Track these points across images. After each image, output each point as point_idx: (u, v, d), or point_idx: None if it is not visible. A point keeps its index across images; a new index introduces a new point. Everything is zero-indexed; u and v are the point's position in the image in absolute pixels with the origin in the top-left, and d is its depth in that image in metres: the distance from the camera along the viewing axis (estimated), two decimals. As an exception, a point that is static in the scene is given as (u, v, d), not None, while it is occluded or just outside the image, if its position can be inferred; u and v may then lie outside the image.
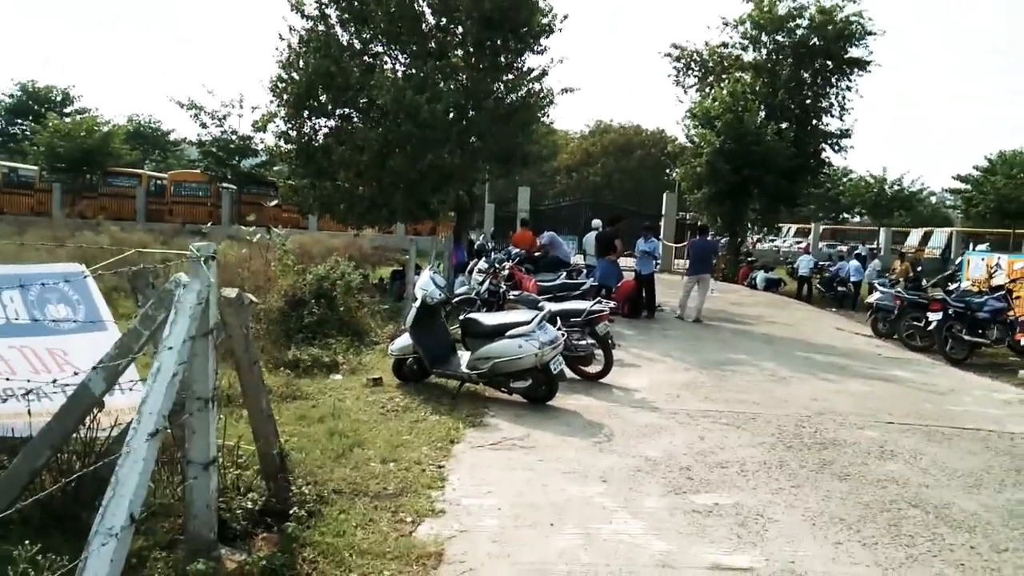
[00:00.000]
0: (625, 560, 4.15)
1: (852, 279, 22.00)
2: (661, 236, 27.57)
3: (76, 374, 4.03)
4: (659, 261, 23.35)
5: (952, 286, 14.67)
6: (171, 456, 4.34)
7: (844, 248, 31.32)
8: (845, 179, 48.30)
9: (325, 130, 16.17)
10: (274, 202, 19.74)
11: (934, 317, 12.19)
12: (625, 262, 16.99)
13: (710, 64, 27.18)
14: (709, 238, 17.02)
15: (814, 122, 26.15)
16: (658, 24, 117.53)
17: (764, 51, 26.11)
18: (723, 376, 9.43)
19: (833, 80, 25.73)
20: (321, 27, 15.43)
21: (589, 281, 11.92)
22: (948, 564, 4.30)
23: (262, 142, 28.09)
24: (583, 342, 8.58)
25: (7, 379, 4.06)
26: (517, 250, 14.23)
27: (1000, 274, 13.99)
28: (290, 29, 15.53)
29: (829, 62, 25.26)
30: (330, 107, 15.84)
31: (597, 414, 7.27)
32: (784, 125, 25.10)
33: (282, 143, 16.69)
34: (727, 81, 25.25)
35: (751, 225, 27.61)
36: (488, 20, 14.75)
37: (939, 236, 34.68)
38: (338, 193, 15.78)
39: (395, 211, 16.08)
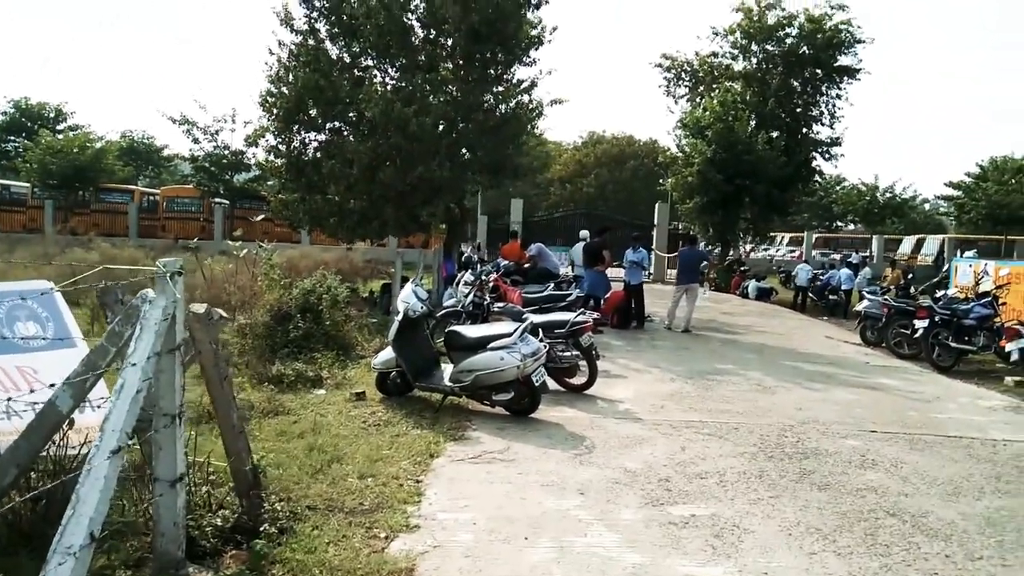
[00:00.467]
0: (598, 573, 4.14)
1: (844, 287, 22.05)
2: (654, 246, 27.68)
3: (47, 389, 4.04)
4: (649, 271, 23.38)
5: (939, 293, 14.71)
6: (142, 473, 4.33)
7: (837, 256, 31.41)
8: (838, 187, 48.52)
9: (315, 144, 16.24)
10: (260, 216, 19.79)
11: (920, 324, 12.21)
12: (615, 272, 17.03)
13: (700, 74, 27.36)
14: (698, 247, 17.05)
15: (804, 131, 26.32)
16: (649, 34, 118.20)
17: (754, 60, 26.32)
18: (709, 386, 9.43)
19: (823, 88, 25.93)
20: (311, 41, 15.51)
21: (575, 292, 11.93)
22: (922, 573, 4.29)
23: (254, 157, 28.19)
24: (567, 353, 8.57)
25: (-25, 398, 4.05)
26: (505, 262, 14.24)
27: (987, 280, 14.04)
28: (280, 44, 15.62)
29: (819, 70, 25.46)
30: (320, 121, 15.90)
31: (580, 426, 7.26)
32: (775, 134, 25.24)
33: (272, 157, 16.75)
34: (717, 91, 25.41)
35: (743, 234, 27.69)
36: (476, 33, 14.83)
37: (931, 243, 34.80)
38: (328, 207, 15.81)
39: (385, 224, 16.12)
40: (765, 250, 40.08)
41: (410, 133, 14.19)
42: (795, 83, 25.97)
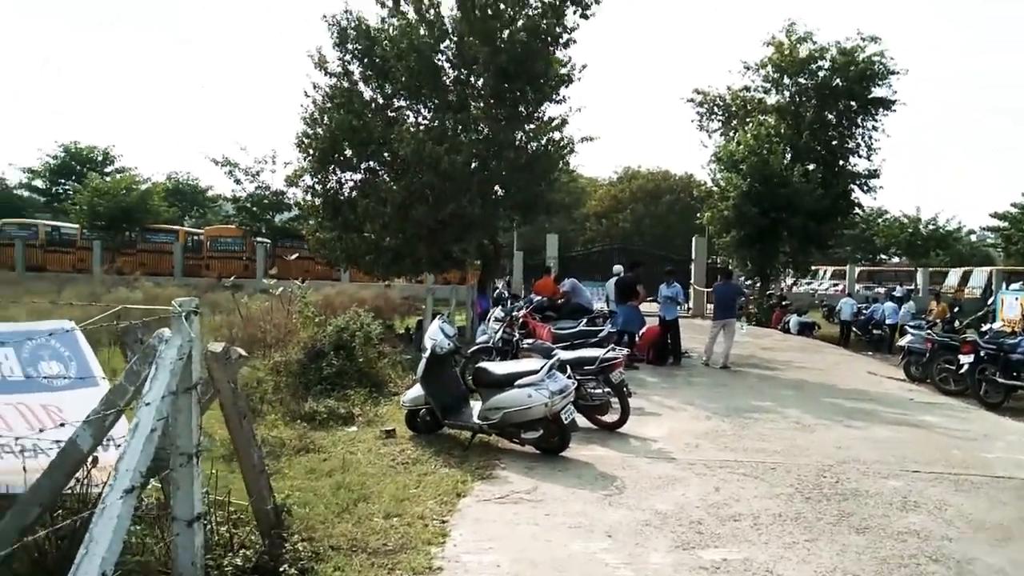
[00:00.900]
0: (623, 619, 4.00)
1: (888, 321, 21.52)
2: (692, 281, 27.42)
3: (63, 425, 4.08)
4: (686, 305, 23.12)
5: (985, 327, 14.24)
6: (165, 512, 4.33)
7: (881, 290, 30.74)
8: (879, 220, 47.69)
9: (351, 183, 16.49)
10: (295, 256, 20.11)
11: (965, 360, 11.81)
12: (650, 307, 16.86)
13: (733, 108, 27.29)
14: (734, 282, 16.81)
15: (841, 163, 25.97)
16: (682, 69, 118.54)
17: (787, 93, 26.16)
18: (746, 424, 9.20)
19: (858, 120, 25.61)
20: (345, 83, 15.82)
21: (607, 328, 11.81)
22: (968, 624, 4.06)
23: (294, 196, 28.68)
24: (598, 390, 8.45)
25: (2, 436, 4.10)
26: (539, 297, 14.19)
27: (1036, 314, 13.57)
28: (315, 86, 15.96)
29: (853, 103, 25.19)
30: (355, 161, 16.15)
31: (610, 465, 7.12)
32: (811, 167, 24.95)
33: (310, 197, 17.04)
34: (751, 124, 25.28)
35: (783, 268, 27.29)
36: (505, 72, 14.99)
37: (978, 275, 33.83)
38: (364, 244, 15.98)
39: (419, 261, 16.22)
40: (807, 284, 39.42)
41: (442, 171, 14.33)
42: (830, 116, 25.72)
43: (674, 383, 12.39)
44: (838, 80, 24.91)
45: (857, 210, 28.15)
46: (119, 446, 4.25)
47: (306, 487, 6.02)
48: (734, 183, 23.93)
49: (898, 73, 25.08)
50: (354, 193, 16.21)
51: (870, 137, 25.70)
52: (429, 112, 16.08)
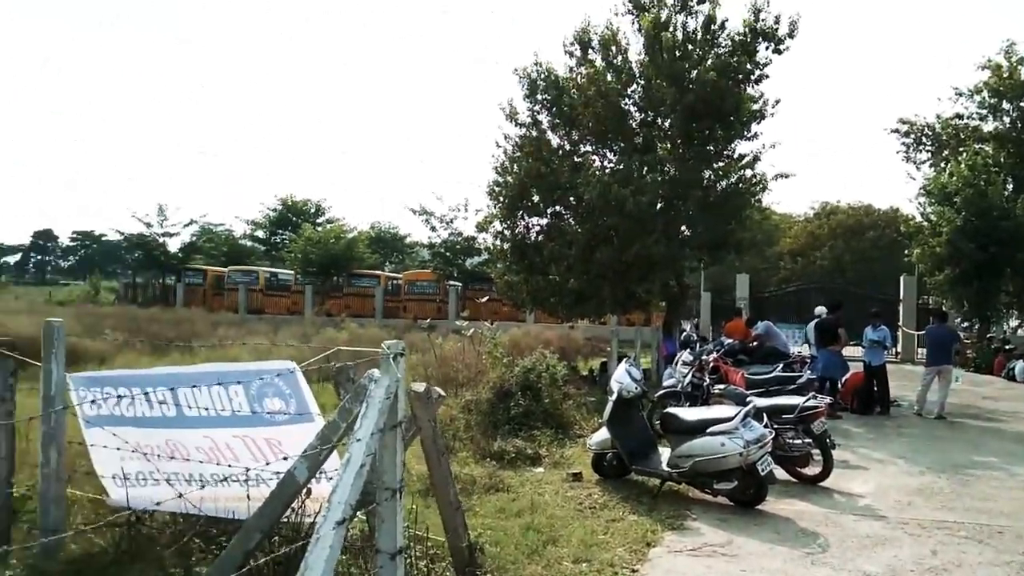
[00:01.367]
0: None
1: None
2: (900, 323, 25.28)
3: (286, 458, 4.45)
4: (894, 350, 21.28)
5: None
6: (369, 544, 4.57)
7: None
8: None
9: (537, 228, 16.93)
10: (485, 298, 20.83)
11: None
12: (853, 352, 15.72)
13: (944, 137, 25.14)
14: (948, 324, 15.27)
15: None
16: (884, 99, 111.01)
17: (1006, 119, 23.70)
18: (966, 482, 8.27)
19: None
20: (533, 132, 16.35)
21: (807, 374, 11.12)
22: None
23: (484, 241, 29.93)
24: (797, 441, 7.95)
25: (230, 465, 4.55)
26: (729, 340, 13.67)
27: None
28: (505, 137, 16.63)
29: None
30: (542, 206, 16.61)
31: (812, 521, 6.65)
32: (1037, 197, 22.33)
33: (499, 242, 17.70)
34: (964, 154, 23.10)
35: (1005, 309, 24.46)
36: (693, 112, 14.83)
37: None
38: (549, 286, 16.31)
39: (603, 302, 16.27)
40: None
41: (627, 212, 14.36)
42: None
43: (882, 434, 11.41)
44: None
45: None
46: (330, 479, 4.57)
47: (496, 526, 6.13)
48: (947, 217, 21.92)
49: None
50: (540, 237, 16.63)
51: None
52: (614, 155, 16.23)
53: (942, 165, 24.63)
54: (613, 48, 15.77)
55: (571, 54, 16.35)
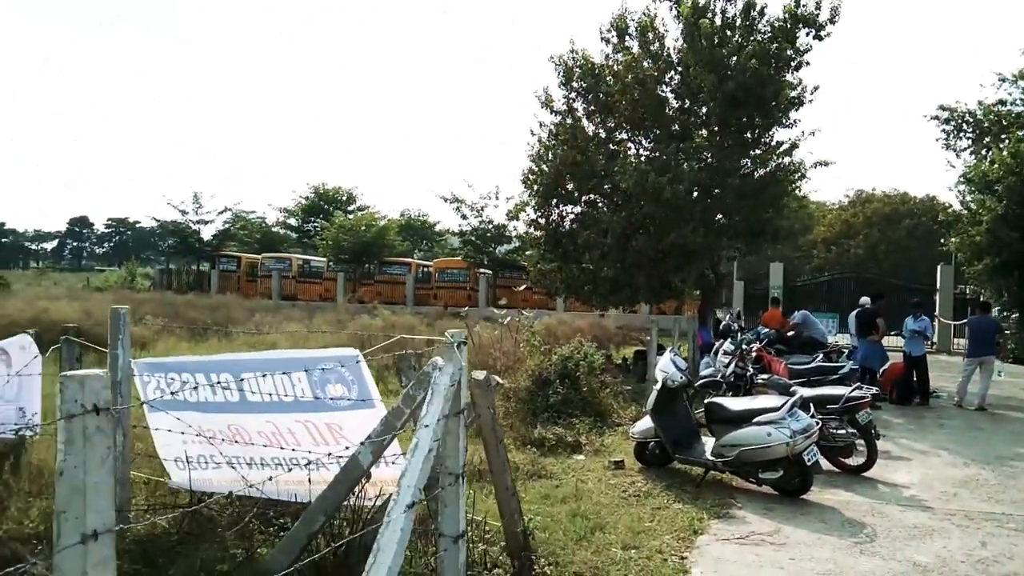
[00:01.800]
0: None
1: None
2: (936, 313, 24.90)
3: (348, 448, 4.54)
4: (933, 341, 20.99)
5: None
6: (426, 528, 4.67)
7: None
8: None
9: (571, 216, 16.90)
10: (523, 287, 20.87)
11: None
12: (892, 342, 15.54)
13: (986, 124, 24.60)
14: (991, 315, 15.02)
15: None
16: (923, 85, 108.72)
17: (1052, 105, 23.17)
18: (1012, 474, 8.18)
19: None
20: (569, 120, 16.30)
21: (849, 364, 11.04)
22: None
23: (515, 229, 29.95)
24: (841, 431, 7.92)
25: (293, 449, 4.66)
26: (766, 330, 13.59)
27: None
28: (540, 124, 16.59)
29: None
30: (576, 194, 16.56)
31: (858, 511, 6.64)
32: (1085, 186, 21.77)
33: (532, 230, 17.70)
34: (1008, 141, 22.60)
35: (1049, 299, 23.95)
36: (732, 99, 14.68)
37: None
38: (583, 275, 16.28)
39: (638, 290, 16.22)
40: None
41: (664, 201, 14.27)
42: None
43: (922, 425, 11.30)
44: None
45: None
46: (389, 463, 4.67)
47: (543, 512, 6.19)
48: (987, 205, 21.46)
49: None
50: (574, 225, 16.60)
51: None
52: (650, 143, 16.13)
53: (983, 153, 24.13)
54: (650, 35, 15.64)
55: (607, 41, 16.24)
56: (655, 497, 6.88)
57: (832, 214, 54.92)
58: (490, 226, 31.73)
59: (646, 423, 7.80)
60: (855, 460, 7.95)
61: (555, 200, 16.72)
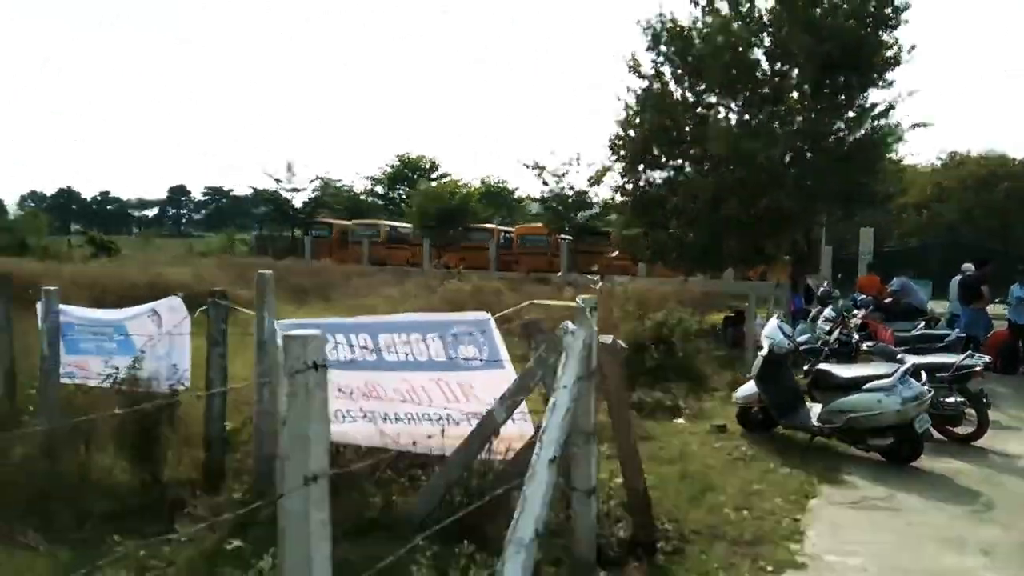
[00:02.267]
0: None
1: None
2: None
3: (478, 406, 4.80)
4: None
5: None
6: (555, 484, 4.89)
7: None
8: None
9: (659, 181, 16.80)
10: (615, 253, 20.80)
11: None
12: (995, 310, 14.96)
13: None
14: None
15: None
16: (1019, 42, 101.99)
17: None
18: None
19: None
20: (656, 85, 16.13)
21: (955, 332, 10.76)
22: None
23: (596, 195, 29.84)
24: (951, 400, 7.80)
25: (428, 406, 4.95)
26: (863, 297, 13.29)
27: None
28: (627, 89, 16.47)
29: None
30: (664, 159, 16.45)
31: (971, 480, 6.59)
32: None
33: (618, 196, 17.68)
34: None
35: None
36: (828, 61, 14.27)
37: None
38: (671, 240, 16.23)
39: (727, 256, 16.08)
40: None
41: (756, 165, 14.06)
42: None
43: (1031, 395, 10.97)
44: None
45: None
46: (514, 421, 4.91)
47: (652, 472, 6.34)
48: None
49: None
50: (662, 190, 16.50)
51: None
52: (740, 106, 15.84)
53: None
54: (743, -6, 15.28)
55: (696, 3, 15.94)
56: (761, 461, 6.97)
57: (923, 177, 52.51)
58: (571, 192, 31.65)
59: (750, 388, 7.85)
60: (964, 429, 7.83)
61: (642, 165, 16.64)
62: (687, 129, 15.43)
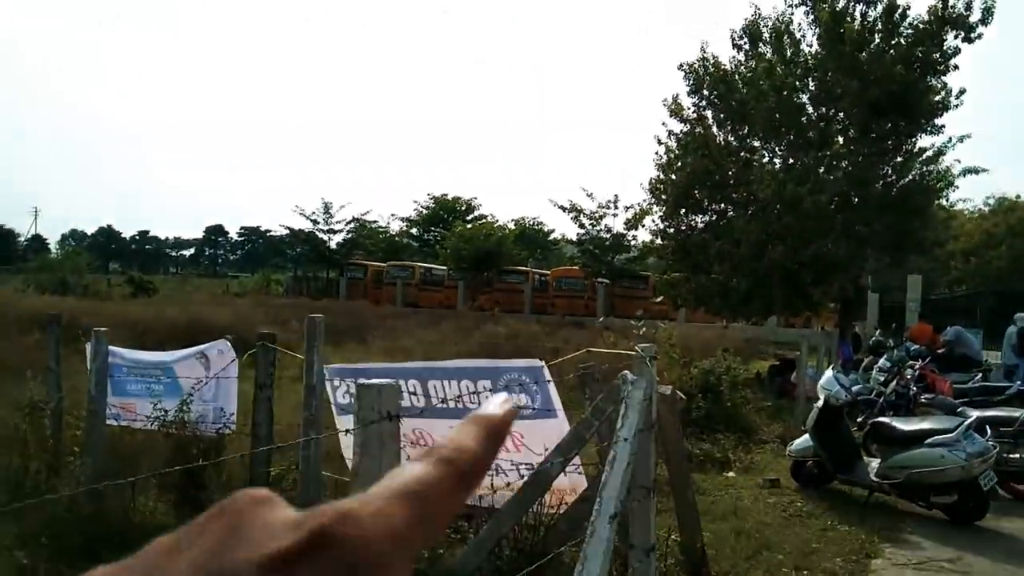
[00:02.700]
0: None
1: None
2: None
3: (530, 456, 4.68)
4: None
5: None
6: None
7: None
8: None
9: (701, 225, 16.67)
10: (659, 298, 20.59)
11: None
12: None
13: None
14: None
15: None
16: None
17: None
18: None
19: None
20: (699, 129, 16.11)
21: (1016, 384, 10.37)
22: None
23: (634, 238, 29.73)
24: (1016, 455, 7.45)
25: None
26: (916, 347, 12.91)
27: None
28: (668, 133, 16.47)
29: None
30: (706, 203, 16.35)
31: (1044, 542, 6.24)
32: None
33: (658, 239, 17.57)
34: None
35: None
36: (876, 105, 14.13)
37: None
38: (713, 285, 16.03)
39: (772, 303, 15.81)
40: None
41: (803, 211, 13.89)
42: None
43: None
44: None
45: None
46: (566, 473, 4.77)
47: (706, 528, 6.11)
48: None
49: None
50: (704, 235, 16.36)
51: None
52: (785, 151, 15.73)
53: None
54: (786, 39, 15.28)
55: (739, 47, 15.99)
56: (818, 518, 6.69)
57: (971, 223, 51.52)
58: (608, 235, 31.57)
59: (804, 441, 7.58)
60: (1032, 488, 7.46)
61: (684, 209, 16.55)
62: (730, 173, 15.34)
